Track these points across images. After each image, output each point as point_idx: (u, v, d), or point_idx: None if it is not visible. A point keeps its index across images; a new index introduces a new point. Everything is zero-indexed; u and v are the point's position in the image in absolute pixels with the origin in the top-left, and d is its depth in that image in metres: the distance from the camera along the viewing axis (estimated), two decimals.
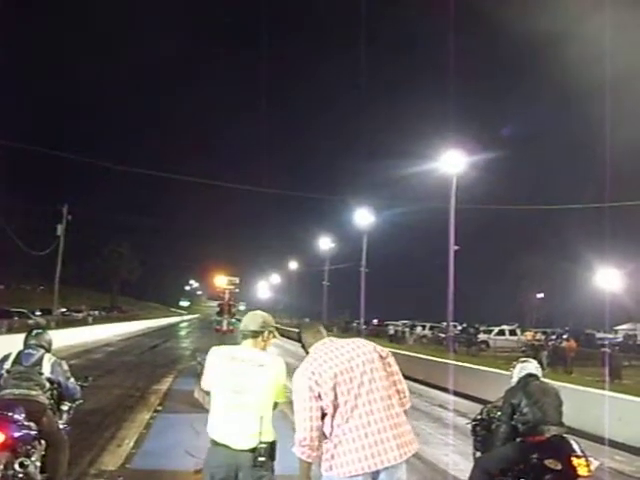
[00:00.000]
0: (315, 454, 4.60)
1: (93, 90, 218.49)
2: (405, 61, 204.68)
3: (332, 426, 4.55)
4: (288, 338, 62.19)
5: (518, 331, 55.77)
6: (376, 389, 4.58)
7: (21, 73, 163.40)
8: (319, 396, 4.54)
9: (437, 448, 11.96)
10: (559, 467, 6.43)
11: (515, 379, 7.41)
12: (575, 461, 6.39)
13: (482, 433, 7.93)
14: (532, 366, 7.49)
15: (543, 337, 48.30)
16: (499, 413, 7.53)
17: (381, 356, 4.73)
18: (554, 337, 45.94)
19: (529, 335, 51.51)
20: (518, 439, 7.05)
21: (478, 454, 7.88)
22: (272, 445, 4.79)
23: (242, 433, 4.70)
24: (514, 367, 7.58)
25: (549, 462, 6.51)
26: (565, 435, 6.90)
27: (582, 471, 6.34)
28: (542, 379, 7.50)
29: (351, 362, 4.62)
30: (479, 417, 8.06)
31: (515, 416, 7.11)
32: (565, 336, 40.96)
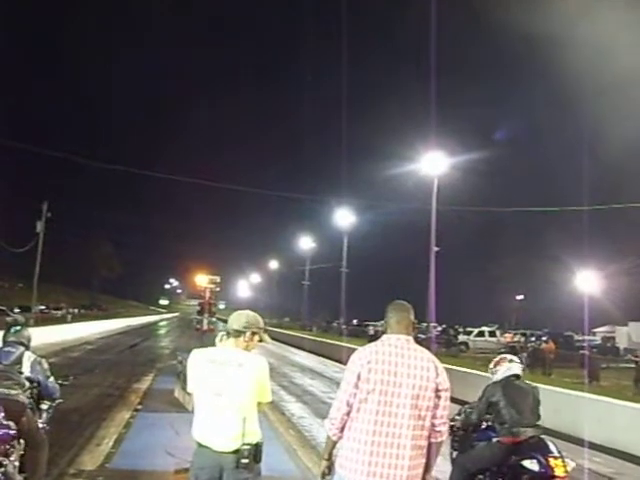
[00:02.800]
0: (340, 435, 4.64)
1: (75, 87, 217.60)
2: (387, 60, 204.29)
3: (352, 418, 4.59)
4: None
5: (498, 332, 56.10)
6: (413, 416, 4.47)
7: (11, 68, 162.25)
8: (358, 386, 4.54)
9: None
10: (536, 468, 6.64)
11: (499, 376, 7.49)
12: (552, 462, 6.61)
13: (460, 433, 8.03)
14: (517, 367, 7.61)
15: (522, 339, 48.55)
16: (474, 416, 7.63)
17: (438, 389, 4.57)
18: (533, 339, 46.13)
19: (508, 337, 51.81)
20: (495, 439, 7.19)
21: (455, 454, 7.98)
22: (257, 447, 4.72)
23: (224, 435, 4.65)
24: (499, 364, 7.64)
25: (527, 463, 6.71)
26: (542, 436, 7.07)
27: (559, 471, 6.57)
28: (522, 379, 7.61)
29: (404, 379, 4.51)
30: (457, 417, 8.11)
31: (490, 415, 7.34)
32: (544, 338, 41.10)
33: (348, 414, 4.59)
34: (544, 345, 37.17)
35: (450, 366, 22.74)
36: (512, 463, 6.89)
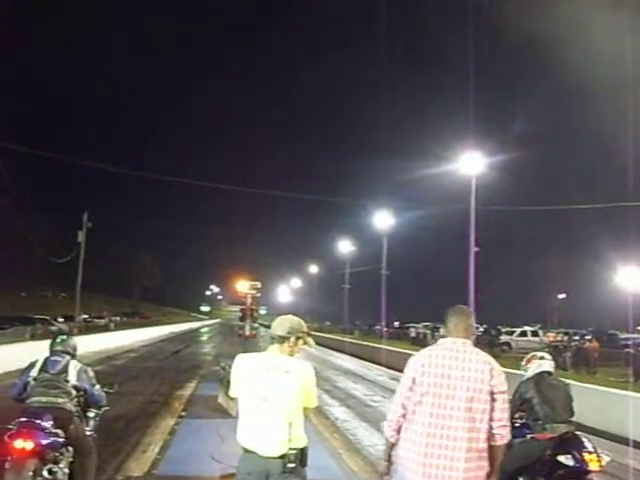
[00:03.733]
0: (397, 436, 4.73)
1: (109, 96, 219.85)
2: (423, 59, 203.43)
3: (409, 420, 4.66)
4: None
5: (540, 332, 55.53)
6: (468, 419, 4.49)
7: (34, 79, 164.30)
8: (413, 389, 4.63)
9: None
10: (571, 462, 6.79)
11: (530, 374, 7.67)
12: (587, 456, 6.78)
13: None
14: (548, 364, 7.78)
15: (565, 338, 48.02)
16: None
17: (493, 392, 4.56)
18: (577, 338, 45.63)
19: (551, 336, 51.17)
20: (529, 436, 7.40)
21: None
22: (303, 451, 4.74)
23: (270, 440, 4.66)
24: (530, 362, 7.84)
25: (562, 458, 6.87)
26: (577, 432, 7.24)
27: (593, 466, 6.76)
28: (554, 376, 7.79)
29: (458, 381, 4.55)
30: None
31: (523, 412, 7.55)
32: (588, 337, 40.59)
33: (404, 416, 4.66)
34: (588, 344, 36.73)
35: None
36: (547, 459, 7.03)
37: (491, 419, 4.56)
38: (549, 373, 7.65)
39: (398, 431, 4.69)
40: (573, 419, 7.36)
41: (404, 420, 4.65)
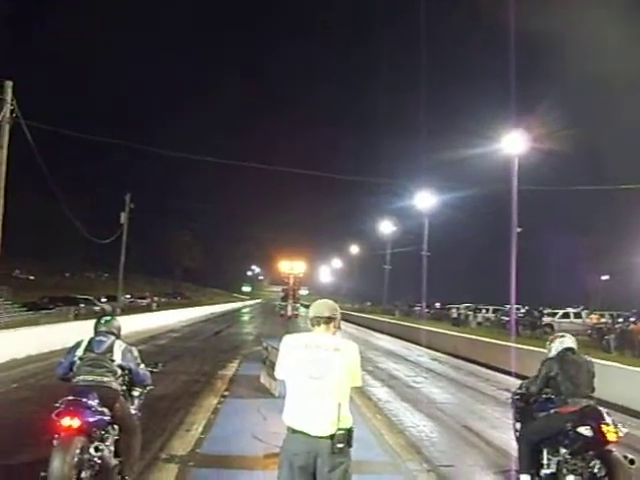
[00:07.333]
0: None
1: (147, 75, 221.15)
2: (465, 36, 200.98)
3: None
4: (351, 322, 62.57)
5: (583, 314, 54.87)
6: None
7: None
8: None
9: (505, 432, 11.78)
10: (590, 434, 7.17)
11: (554, 352, 8.10)
12: (604, 428, 7.11)
13: (521, 405, 8.65)
14: (570, 340, 8.21)
15: (609, 320, 47.44)
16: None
17: None
18: (620, 320, 45.04)
19: (594, 318, 50.62)
20: (553, 410, 7.82)
21: (518, 425, 8.57)
22: (349, 431, 4.74)
23: (321, 420, 4.67)
24: (552, 342, 8.28)
25: (581, 429, 7.23)
26: (597, 406, 7.59)
27: (611, 437, 7.06)
28: (577, 352, 8.14)
29: None
30: (518, 391, 8.68)
31: (548, 389, 7.99)
32: (632, 319, 40.02)
33: None
34: (632, 326, 36.23)
35: (534, 348, 22.46)
36: (567, 430, 7.39)
37: None
38: (572, 350, 8.04)
39: None
40: (593, 394, 7.73)
41: None
